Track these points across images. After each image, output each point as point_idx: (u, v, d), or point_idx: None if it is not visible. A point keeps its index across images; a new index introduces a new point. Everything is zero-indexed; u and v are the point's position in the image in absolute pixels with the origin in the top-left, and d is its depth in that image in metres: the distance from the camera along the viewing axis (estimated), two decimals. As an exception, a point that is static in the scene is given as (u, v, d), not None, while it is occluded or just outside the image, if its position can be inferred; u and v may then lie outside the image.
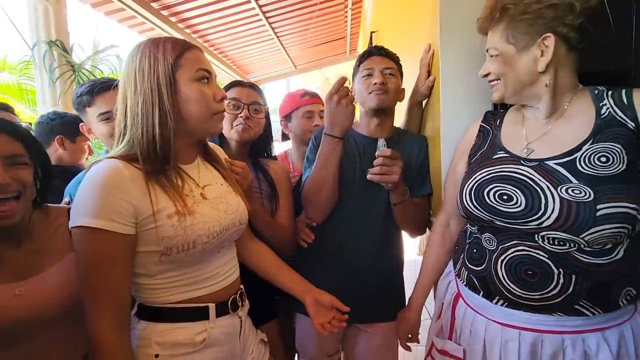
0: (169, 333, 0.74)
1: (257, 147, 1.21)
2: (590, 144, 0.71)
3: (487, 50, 0.82)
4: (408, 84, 1.29)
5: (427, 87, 1.18)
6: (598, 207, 0.65)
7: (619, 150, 0.69)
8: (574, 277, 0.68)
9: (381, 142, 0.97)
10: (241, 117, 1.10)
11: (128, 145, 0.73)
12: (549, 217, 0.68)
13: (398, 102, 1.18)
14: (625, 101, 0.73)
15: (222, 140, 1.16)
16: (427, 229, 1.17)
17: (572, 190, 0.68)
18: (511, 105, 0.89)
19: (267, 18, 4.50)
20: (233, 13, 4.19)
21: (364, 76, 1.12)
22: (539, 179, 0.72)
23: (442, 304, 0.92)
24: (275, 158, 1.28)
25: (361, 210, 1.11)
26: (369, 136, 1.14)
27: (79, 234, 0.67)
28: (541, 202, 0.70)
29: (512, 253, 0.73)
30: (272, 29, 4.88)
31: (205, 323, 0.78)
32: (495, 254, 0.76)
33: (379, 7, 3.16)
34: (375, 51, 1.14)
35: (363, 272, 1.12)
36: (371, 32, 3.52)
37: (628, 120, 0.71)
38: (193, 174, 0.81)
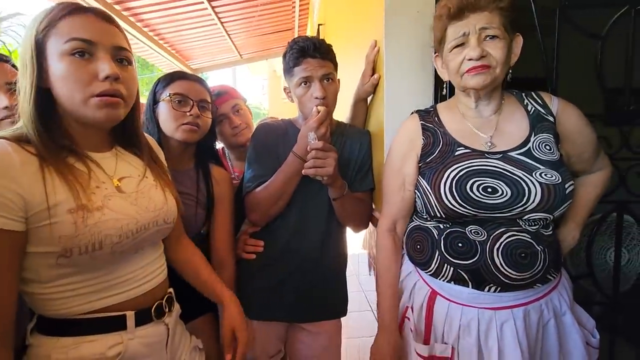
0: (73, 349, 0.63)
1: (203, 147, 1.11)
2: (534, 136, 0.83)
3: (481, 29, 0.77)
4: (354, 79, 1.28)
5: (372, 84, 1.17)
6: (565, 186, 0.77)
7: (552, 139, 0.82)
8: (547, 250, 0.79)
9: (312, 136, 0.95)
10: (190, 115, 1.00)
11: (20, 124, 0.63)
12: (532, 202, 0.76)
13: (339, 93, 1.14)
14: (540, 101, 0.87)
15: (160, 139, 1.02)
16: (370, 223, 1.18)
17: (545, 175, 0.77)
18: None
19: (209, 1, 4.23)
20: (172, -8, 3.87)
21: (301, 83, 1.03)
22: (512, 169, 0.79)
23: (407, 307, 0.88)
24: (221, 163, 1.18)
25: (303, 209, 1.08)
26: None
27: None
28: (524, 189, 0.76)
29: (505, 240, 0.78)
30: (216, 13, 4.60)
31: (122, 334, 0.68)
32: (488, 243, 0.79)
33: (326, -1, 3.14)
34: (310, 52, 1.01)
35: (306, 270, 1.09)
36: (319, 25, 3.49)
37: (548, 116, 0.85)
38: (107, 164, 0.70)
